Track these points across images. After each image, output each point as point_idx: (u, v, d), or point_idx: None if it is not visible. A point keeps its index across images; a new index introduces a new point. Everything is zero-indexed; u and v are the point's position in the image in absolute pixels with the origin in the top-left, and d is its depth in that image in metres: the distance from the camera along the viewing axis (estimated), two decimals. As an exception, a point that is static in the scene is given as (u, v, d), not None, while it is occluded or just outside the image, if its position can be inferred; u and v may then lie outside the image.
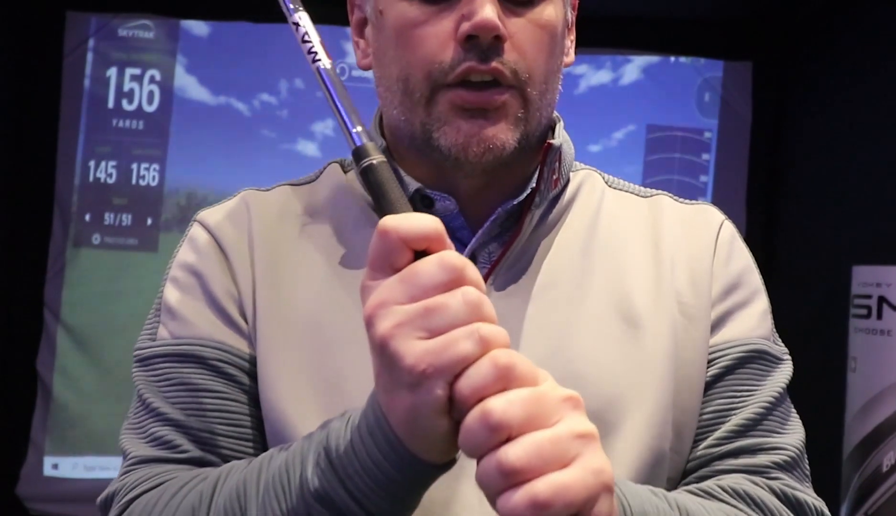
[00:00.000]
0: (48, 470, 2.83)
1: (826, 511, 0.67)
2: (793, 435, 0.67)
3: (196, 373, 0.64)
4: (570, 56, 0.68)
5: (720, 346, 0.66)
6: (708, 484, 0.63)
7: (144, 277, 2.91)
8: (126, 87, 2.92)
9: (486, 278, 0.63)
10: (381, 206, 0.47)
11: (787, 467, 0.66)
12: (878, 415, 2.06)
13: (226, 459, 0.62)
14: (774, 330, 0.71)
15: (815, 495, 0.67)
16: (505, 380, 0.42)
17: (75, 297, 2.88)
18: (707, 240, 0.69)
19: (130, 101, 2.93)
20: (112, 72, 2.92)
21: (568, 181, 0.69)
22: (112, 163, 2.92)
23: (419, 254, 0.45)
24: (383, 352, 0.44)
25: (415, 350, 0.43)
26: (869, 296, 2.11)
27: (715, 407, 0.66)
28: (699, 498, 0.60)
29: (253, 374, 0.64)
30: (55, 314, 2.87)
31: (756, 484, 0.63)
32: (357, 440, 0.48)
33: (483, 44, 0.58)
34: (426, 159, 0.63)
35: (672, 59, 2.98)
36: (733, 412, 0.65)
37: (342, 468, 0.48)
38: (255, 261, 0.66)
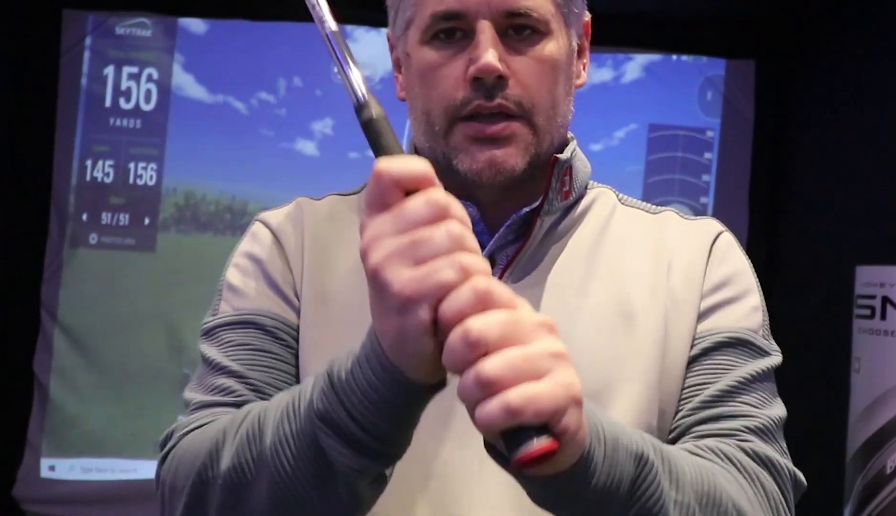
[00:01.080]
0: (45, 472, 2.82)
1: (801, 477, 0.69)
2: (770, 409, 0.71)
3: (255, 336, 0.73)
4: (582, 78, 0.77)
5: (703, 333, 0.73)
6: (680, 445, 0.68)
7: (142, 277, 2.90)
8: (123, 86, 2.91)
9: (501, 275, 0.72)
10: (379, 153, 0.52)
11: (759, 432, 0.68)
12: (883, 417, 2.05)
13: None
14: (768, 329, 0.76)
15: (789, 462, 0.70)
16: (483, 304, 0.47)
17: (72, 298, 2.87)
18: (704, 246, 0.76)
19: (128, 100, 2.92)
20: (109, 70, 2.91)
21: (582, 196, 0.78)
22: (109, 162, 2.91)
23: (409, 194, 0.50)
24: (375, 281, 0.49)
25: (402, 277, 0.48)
26: (873, 297, 2.11)
27: (691, 382, 0.71)
28: (679, 449, 0.65)
29: (294, 337, 0.74)
30: (52, 314, 2.86)
31: (726, 444, 0.67)
32: (356, 365, 0.54)
33: (488, 84, 0.67)
34: (453, 181, 0.69)
35: (674, 57, 2.97)
36: (707, 386, 0.70)
37: (342, 391, 0.54)
38: (306, 253, 0.76)
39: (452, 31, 0.69)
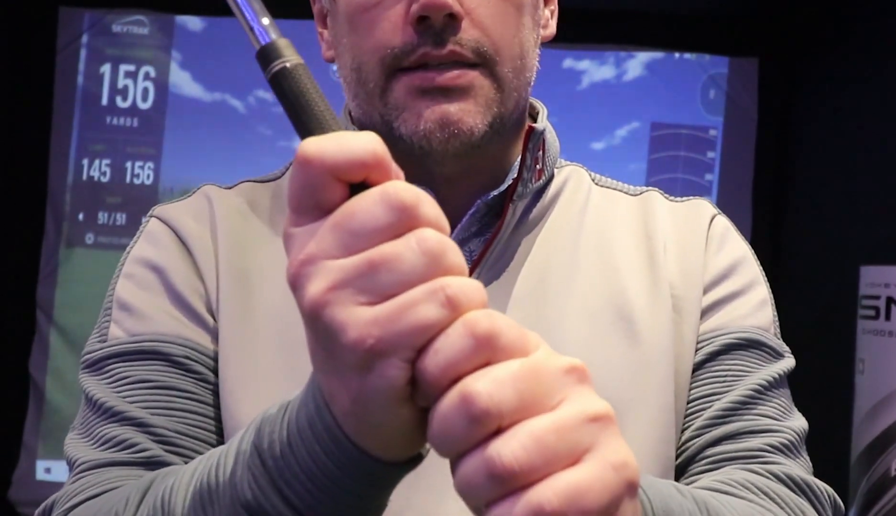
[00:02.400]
0: (41, 475, 2.80)
1: (838, 499, 0.60)
2: (792, 421, 0.61)
3: (160, 370, 0.57)
4: (550, 28, 0.64)
5: (708, 334, 0.61)
6: (709, 483, 0.56)
7: (139, 278, 2.88)
8: (120, 84, 2.90)
9: (472, 271, 0.58)
10: (302, 125, 0.36)
11: (785, 451, 0.58)
12: (887, 419, 2.04)
13: (186, 451, 0.56)
14: (777, 325, 0.66)
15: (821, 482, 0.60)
16: (487, 352, 0.32)
17: (68, 298, 2.85)
18: (699, 232, 0.65)
19: (124, 99, 2.91)
20: (106, 68, 2.90)
21: (552, 175, 0.65)
22: (106, 161, 2.90)
23: (356, 187, 0.34)
24: (316, 324, 0.33)
25: (358, 320, 0.32)
26: (877, 297, 2.10)
27: (698, 394, 0.60)
28: (715, 493, 0.53)
29: (209, 367, 0.60)
30: (48, 315, 2.84)
31: (754, 472, 0.56)
32: (295, 435, 0.37)
33: (436, 25, 0.53)
34: (395, 151, 0.45)
35: (676, 55, 2.96)
36: (718, 397, 0.59)
37: (277, 471, 0.38)
38: (220, 255, 0.61)
39: None
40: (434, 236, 0.33)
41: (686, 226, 0.65)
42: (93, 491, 0.51)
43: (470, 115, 0.54)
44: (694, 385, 0.60)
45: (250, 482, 0.39)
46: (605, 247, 0.63)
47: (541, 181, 0.63)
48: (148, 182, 2.90)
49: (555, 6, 0.65)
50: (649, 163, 2.95)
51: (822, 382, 2.55)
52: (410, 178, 0.41)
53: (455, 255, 0.33)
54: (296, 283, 0.34)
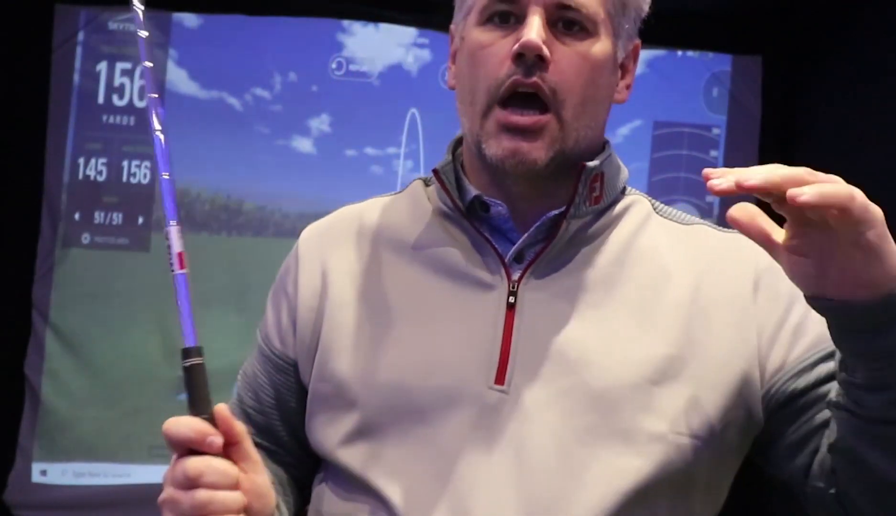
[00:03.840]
0: (36, 477, 2.79)
1: None
2: None
3: (258, 363, 0.87)
4: (622, 95, 0.83)
5: (797, 363, 0.74)
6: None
7: (136, 278, 2.87)
8: (117, 82, 2.88)
9: (525, 271, 0.75)
10: (189, 404, 0.66)
11: None
12: (892, 420, 2.01)
13: (256, 428, 0.83)
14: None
15: None
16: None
17: (65, 298, 2.84)
18: (746, 276, 0.77)
19: (121, 97, 2.89)
20: (102, 66, 2.88)
21: (616, 201, 0.81)
22: (102, 160, 2.88)
23: (192, 451, 0.66)
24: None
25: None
26: None
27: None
28: None
29: (288, 373, 0.83)
30: (44, 315, 2.83)
31: None
32: None
33: (528, 61, 0.71)
34: (484, 167, 0.77)
35: (679, 52, 2.95)
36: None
37: None
38: (330, 268, 0.82)
39: (507, 16, 0.73)
40: (203, 494, 0.65)
41: (731, 263, 0.78)
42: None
43: (536, 149, 0.72)
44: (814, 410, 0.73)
45: None
46: (648, 267, 0.76)
47: (599, 205, 0.78)
48: (145, 181, 2.89)
49: (631, 80, 0.83)
50: (651, 162, 2.93)
51: (827, 383, 2.54)
52: (495, 192, 0.76)
53: (220, 499, 0.66)
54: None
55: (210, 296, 2.86)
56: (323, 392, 0.77)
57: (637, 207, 0.82)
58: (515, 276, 0.75)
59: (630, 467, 0.67)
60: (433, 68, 2.88)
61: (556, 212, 0.75)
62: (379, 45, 2.92)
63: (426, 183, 0.84)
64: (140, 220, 2.89)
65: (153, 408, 2.83)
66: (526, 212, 0.77)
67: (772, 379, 0.73)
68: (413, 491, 0.68)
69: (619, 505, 0.66)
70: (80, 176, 2.87)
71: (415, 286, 0.76)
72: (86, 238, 2.87)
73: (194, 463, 0.63)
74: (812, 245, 0.58)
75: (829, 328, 0.62)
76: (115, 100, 2.88)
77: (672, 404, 0.70)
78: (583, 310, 0.73)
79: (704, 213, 2.94)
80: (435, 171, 0.78)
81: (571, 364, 0.70)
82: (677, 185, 2.93)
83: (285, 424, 0.84)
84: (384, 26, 2.91)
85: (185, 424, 0.64)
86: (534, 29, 0.71)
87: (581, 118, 0.75)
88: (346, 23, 2.90)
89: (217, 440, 0.64)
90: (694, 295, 0.75)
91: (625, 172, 0.83)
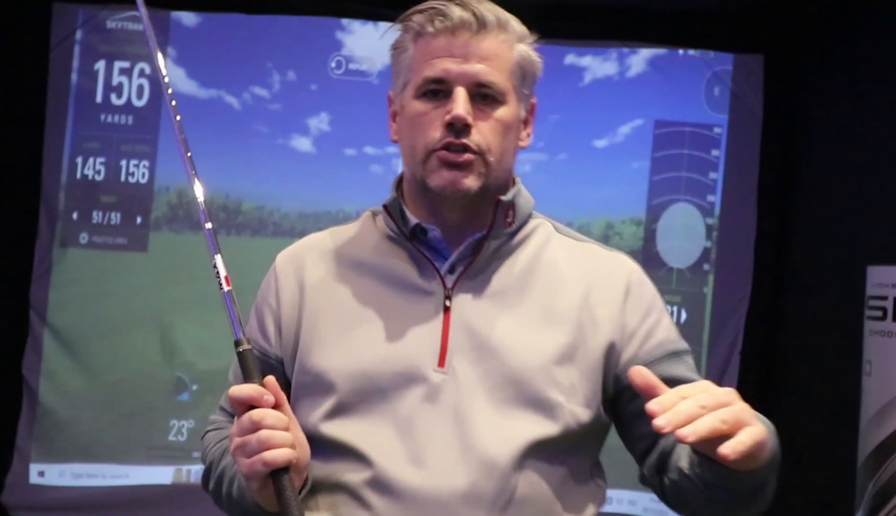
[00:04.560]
0: (34, 478, 2.79)
1: None
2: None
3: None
4: (525, 142, 1.03)
5: (649, 353, 0.99)
6: None
7: (134, 278, 2.87)
8: (115, 81, 2.88)
9: (456, 280, 0.97)
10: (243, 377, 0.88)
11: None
12: (894, 421, 2.02)
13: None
14: (675, 328, 1.03)
15: None
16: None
17: (62, 299, 2.84)
18: (620, 285, 1.01)
19: (119, 96, 2.89)
20: (100, 65, 2.88)
21: (524, 224, 1.02)
22: (100, 159, 2.88)
23: (252, 407, 0.86)
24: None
25: (240, 463, 0.86)
26: (884, 298, 2.09)
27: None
28: None
29: (275, 368, 1.01)
30: (41, 316, 2.83)
31: None
32: (241, 491, 0.94)
33: (458, 127, 0.93)
34: (424, 200, 0.99)
35: (680, 51, 2.94)
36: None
37: (240, 498, 0.95)
38: (306, 283, 1.03)
39: (437, 92, 0.95)
40: (265, 433, 0.84)
41: (610, 275, 1.02)
42: (212, 427, 1.08)
43: (468, 179, 0.94)
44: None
45: (238, 493, 0.95)
46: (551, 277, 1.00)
47: (511, 228, 1.00)
48: (143, 181, 2.88)
49: (531, 129, 1.04)
50: (653, 161, 2.93)
51: (829, 384, 2.53)
52: (432, 220, 0.97)
53: (279, 437, 0.84)
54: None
55: (208, 297, 2.85)
56: (305, 381, 0.97)
57: (541, 229, 1.04)
58: (449, 284, 0.96)
59: (537, 426, 0.91)
60: (433, 67, 2.88)
61: (479, 234, 0.97)
62: (378, 44, 2.89)
63: (374, 214, 1.07)
64: (138, 220, 2.88)
65: (151, 409, 2.83)
66: (456, 235, 0.98)
67: (624, 365, 0.97)
68: (382, 447, 0.91)
69: (528, 451, 0.91)
70: (78, 175, 2.87)
71: (372, 295, 0.98)
72: (84, 238, 2.86)
73: (258, 412, 0.84)
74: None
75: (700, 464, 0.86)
76: (114, 98, 2.88)
77: (568, 380, 0.93)
78: (501, 309, 0.96)
79: (706, 213, 2.94)
80: (384, 206, 1.00)
81: (494, 350, 0.93)
82: (679, 185, 2.93)
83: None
84: (383, 25, 2.88)
85: (247, 387, 0.85)
86: (460, 104, 0.93)
87: (500, 164, 0.97)
88: (345, 21, 2.90)
89: (270, 398, 0.85)
90: (584, 297, 0.98)
91: (531, 201, 1.04)
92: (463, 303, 0.95)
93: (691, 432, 0.72)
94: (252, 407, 0.85)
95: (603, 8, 2.86)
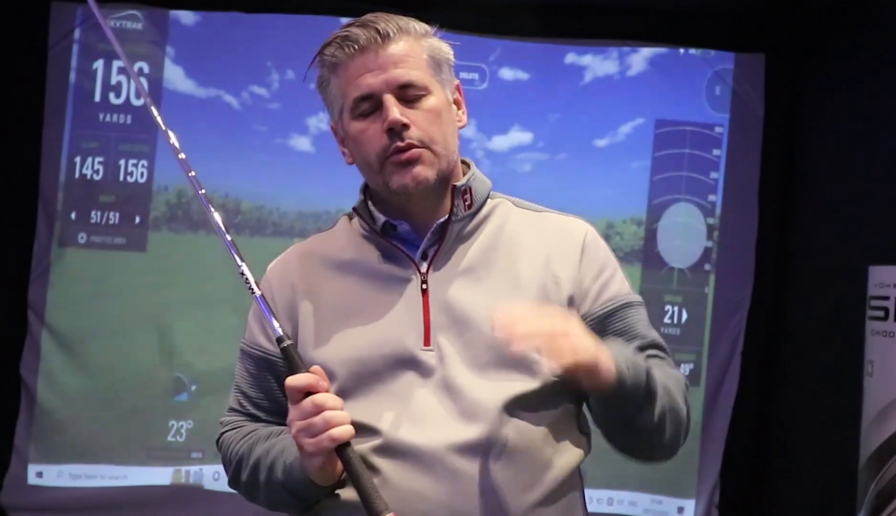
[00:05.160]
0: (32, 479, 2.79)
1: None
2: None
3: (253, 365, 1.14)
4: (463, 120, 1.14)
5: (606, 303, 1.11)
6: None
7: (132, 278, 2.86)
8: (113, 80, 2.88)
9: (429, 265, 1.07)
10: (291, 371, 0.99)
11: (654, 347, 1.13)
12: (896, 422, 2.00)
13: (265, 412, 1.13)
14: (628, 283, 1.15)
15: None
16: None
17: (60, 299, 2.83)
18: (576, 243, 1.12)
19: (118, 95, 2.88)
20: (99, 64, 2.88)
21: (483, 205, 1.12)
22: (99, 159, 2.87)
23: (309, 393, 0.96)
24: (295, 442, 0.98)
25: (306, 444, 0.96)
26: (886, 298, 2.09)
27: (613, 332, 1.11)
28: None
29: (281, 366, 1.06)
30: (39, 316, 2.82)
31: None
32: (296, 469, 1.01)
33: (397, 130, 1.03)
34: (391, 200, 1.08)
35: (681, 50, 2.93)
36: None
37: (287, 478, 1.02)
38: (297, 287, 1.12)
39: (369, 108, 1.05)
40: (329, 413, 0.95)
41: (565, 237, 1.13)
42: (230, 426, 1.14)
43: (424, 171, 1.04)
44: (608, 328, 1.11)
45: (283, 474, 1.03)
46: (514, 249, 1.10)
47: (471, 210, 1.10)
48: (141, 180, 2.87)
49: (464, 108, 1.14)
50: (653, 161, 2.92)
51: (830, 384, 2.52)
52: (398, 215, 1.08)
53: (340, 416, 0.96)
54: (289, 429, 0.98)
55: (207, 297, 2.84)
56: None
57: (501, 207, 1.14)
58: (423, 270, 1.06)
59: (518, 383, 1.02)
60: (433, 66, 2.88)
61: (442, 219, 1.07)
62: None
63: (350, 217, 1.16)
64: (137, 220, 2.87)
65: (150, 410, 2.82)
66: (421, 224, 1.08)
67: (582, 318, 1.07)
68: (385, 418, 1.01)
69: (513, 404, 1.01)
70: (77, 175, 2.86)
71: (356, 289, 1.08)
72: (82, 237, 2.86)
73: (319, 396, 0.94)
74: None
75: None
76: (112, 98, 2.87)
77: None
78: (472, 284, 1.07)
79: (706, 213, 2.93)
80: (354, 209, 1.12)
81: (470, 322, 1.03)
82: (679, 184, 2.92)
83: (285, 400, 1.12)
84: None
85: (304, 376, 0.96)
86: (392, 109, 1.03)
87: (446, 148, 1.07)
88: (344, 20, 2.87)
89: (325, 384, 0.97)
90: (546, 262, 1.08)
91: (488, 183, 1.14)
92: (438, 284, 1.06)
93: (506, 332, 0.90)
94: (308, 393, 0.95)
95: (603, 7, 2.86)
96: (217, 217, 1.08)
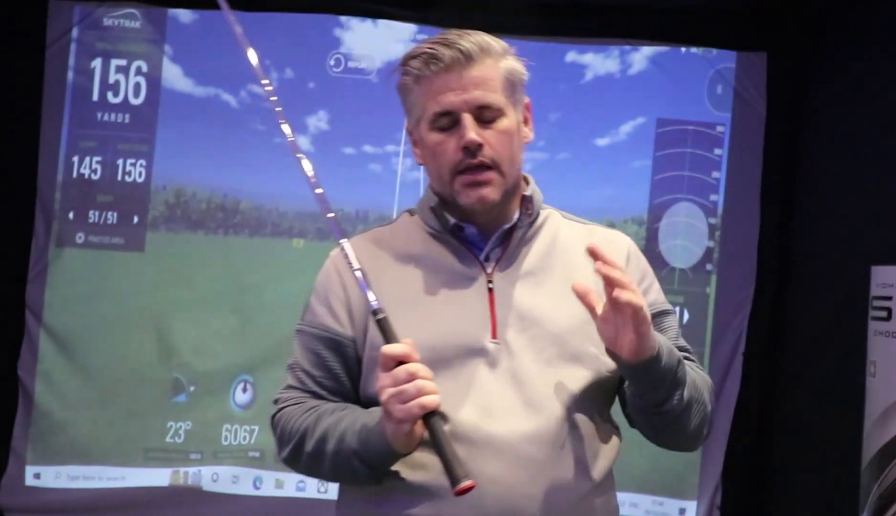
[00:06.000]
0: (30, 480, 2.78)
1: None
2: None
3: (318, 345, 1.19)
4: (529, 136, 1.22)
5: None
6: None
7: (131, 278, 2.85)
8: (111, 79, 2.87)
9: (494, 266, 1.17)
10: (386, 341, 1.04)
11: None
12: (899, 423, 2.00)
13: (328, 390, 1.17)
14: (660, 291, 1.26)
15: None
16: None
17: (58, 299, 2.82)
18: (621, 253, 1.23)
19: (116, 94, 2.87)
20: (97, 63, 2.87)
21: (538, 215, 1.23)
22: (97, 158, 2.86)
23: (401, 363, 1.01)
24: (385, 408, 1.02)
25: (396, 409, 1.00)
26: (889, 298, 2.08)
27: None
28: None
29: (348, 347, 1.16)
30: (37, 316, 2.81)
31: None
32: (373, 435, 1.06)
33: (472, 149, 1.11)
34: (456, 206, 1.17)
35: (682, 49, 2.93)
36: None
37: (363, 445, 1.07)
38: (367, 272, 1.15)
39: (447, 122, 1.13)
40: (420, 382, 1.00)
41: (613, 247, 1.22)
42: (293, 401, 1.17)
43: (491, 193, 1.13)
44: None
45: (356, 442, 1.07)
46: (568, 256, 1.20)
47: (531, 219, 1.21)
48: (140, 180, 2.86)
49: (531, 125, 1.22)
50: (655, 160, 2.91)
51: (832, 385, 2.52)
52: (466, 221, 1.18)
53: (429, 385, 1.01)
54: (380, 395, 1.01)
55: (206, 297, 2.84)
56: (376, 356, 1.09)
57: (552, 217, 1.25)
58: (489, 271, 1.16)
59: (580, 376, 1.11)
60: (433, 65, 2.87)
61: (507, 225, 1.18)
62: (377, 42, 2.89)
63: (411, 213, 1.26)
64: (135, 220, 2.86)
65: (148, 411, 2.81)
66: (487, 229, 1.18)
67: None
68: (455, 406, 1.07)
69: (574, 396, 1.10)
70: (75, 174, 2.85)
71: (424, 281, 1.16)
72: (80, 237, 2.84)
73: (412, 365, 1.00)
74: (614, 320, 1.01)
75: (619, 368, 1.07)
76: (110, 97, 2.86)
77: (596, 335, 1.07)
78: (534, 286, 1.16)
79: (708, 213, 2.93)
80: (431, 208, 1.19)
81: (535, 319, 1.13)
82: (681, 184, 2.92)
83: (350, 381, 1.19)
84: (382, 22, 2.89)
85: (399, 346, 1.01)
86: (470, 129, 1.11)
87: (512, 168, 1.16)
88: (343, 19, 2.88)
89: (416, 354, 1.02)
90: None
91: (541, 195, 1.23)
92: (503, 284, 1.14)
93: (602, 259, 0.98)
94: (400, 362, 1.00)
95: (604, 5, 2.85)
96: (322, 198, 1.18)
